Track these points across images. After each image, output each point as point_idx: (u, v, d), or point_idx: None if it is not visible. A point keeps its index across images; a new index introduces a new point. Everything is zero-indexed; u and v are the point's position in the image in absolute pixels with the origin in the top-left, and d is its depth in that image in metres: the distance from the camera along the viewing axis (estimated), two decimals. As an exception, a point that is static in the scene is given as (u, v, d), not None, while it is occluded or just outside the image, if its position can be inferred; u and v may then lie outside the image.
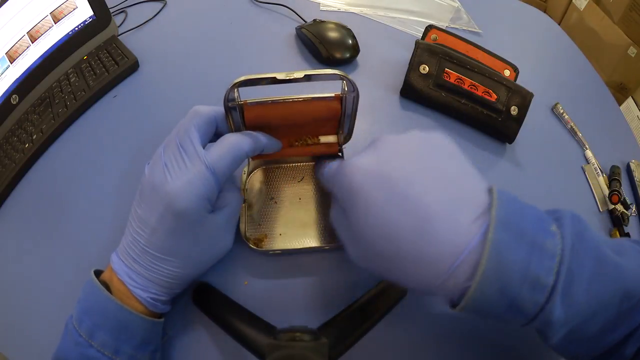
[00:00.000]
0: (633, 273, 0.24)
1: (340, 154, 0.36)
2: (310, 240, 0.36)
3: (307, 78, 0.29)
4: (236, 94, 0.30)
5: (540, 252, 0.22)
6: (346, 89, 0.30)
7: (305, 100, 0.31)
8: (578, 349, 0.26)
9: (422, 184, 0.24)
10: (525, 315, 0.23)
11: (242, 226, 0.35)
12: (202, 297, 0.32)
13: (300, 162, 0.39)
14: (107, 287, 0.28)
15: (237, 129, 0.32)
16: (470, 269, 0.22)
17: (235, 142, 0.29)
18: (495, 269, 0.21)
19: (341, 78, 0.29)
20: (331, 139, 0.35)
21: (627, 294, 0.23)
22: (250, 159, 0.38)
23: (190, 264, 0.30)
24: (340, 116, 0.32)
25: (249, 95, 0.31)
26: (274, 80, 0.29)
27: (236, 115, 0.31)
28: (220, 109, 0.31)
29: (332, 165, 0.30)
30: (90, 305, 0.28)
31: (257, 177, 0.39)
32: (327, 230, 0.36)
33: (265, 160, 0.39)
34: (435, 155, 0.26)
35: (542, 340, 0.25)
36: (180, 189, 0.27)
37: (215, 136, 0.32)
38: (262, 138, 0.31)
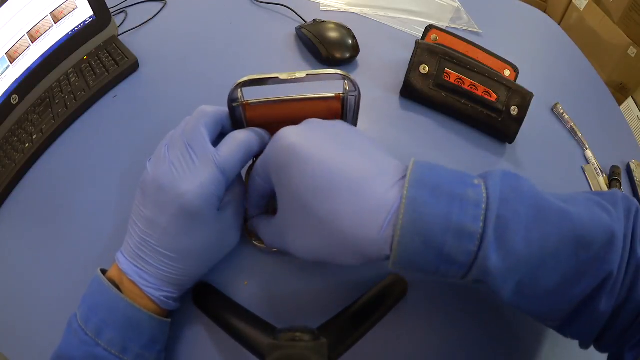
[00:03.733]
0: (582, 219, 0.24)
1: None
2: None
3: (310, 78, 0.29)
4: (239, 94, 0.30)
5: (461, 202, 0.23)
6: (348, 88, 0.31)
7: (306, 99, 0.31)
8: (541, 305, 0.25)
9: (355, 149, 0.27)
10: (459, 265, 0.24)
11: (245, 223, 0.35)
12: (202, 297, 0.32)
13: None
14: (116, 286, 0.28)
15: (240, 129, 0.32)
16: (393, 228, 0.24)
17: (244, 139, 0.30)
18: (414, 221, 0.23)
19: (343, 78, 0.29)
20: None
21: (581, 241, 0.23)
22: (253, 158, 0.38)
23: (201, 261, 0.30)
24: (341, 116, 0.32)
25: (251, 95, 0.31)
26: (277, 80, 0.29)
27: (239, 115, 0.32)
28: (225, 109, 0.31)
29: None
30: (98, 303, 0.28)
31: None
32: None
33: None
34: (356, 133, 0.29)
35: (499, 299, 0.25)
36: (192, 190, 0.27)
37: (220, 136, 0.32)
38: (266, 136, 0.32)
